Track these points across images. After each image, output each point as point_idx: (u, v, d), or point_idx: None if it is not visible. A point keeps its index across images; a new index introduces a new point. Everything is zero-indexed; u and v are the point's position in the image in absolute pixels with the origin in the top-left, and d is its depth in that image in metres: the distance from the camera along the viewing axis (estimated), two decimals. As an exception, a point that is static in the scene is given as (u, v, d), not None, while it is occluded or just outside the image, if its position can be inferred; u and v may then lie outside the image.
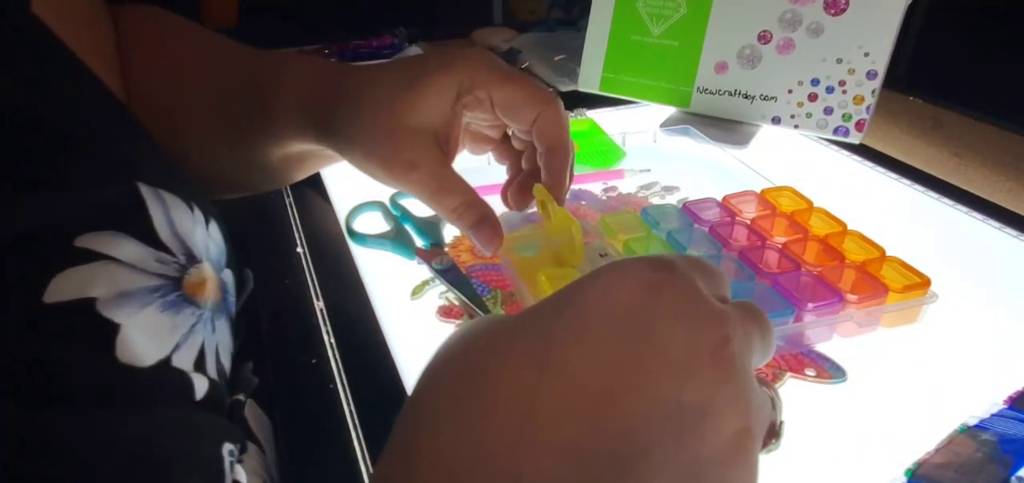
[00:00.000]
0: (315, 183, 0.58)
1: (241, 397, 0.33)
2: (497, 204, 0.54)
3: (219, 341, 0.30)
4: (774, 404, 0.22)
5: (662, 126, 0.68)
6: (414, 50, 0.96)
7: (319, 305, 0.43)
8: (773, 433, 0.22)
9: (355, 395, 0.35)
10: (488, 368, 0.20)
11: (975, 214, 0.54)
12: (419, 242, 0.49)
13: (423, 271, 0.46)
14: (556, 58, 0.90)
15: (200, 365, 0.28)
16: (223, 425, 0.29)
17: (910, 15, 0.58)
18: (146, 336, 0.25)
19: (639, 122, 0.71)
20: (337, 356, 0.38)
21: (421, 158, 0.39)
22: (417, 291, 0.45)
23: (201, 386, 0.27)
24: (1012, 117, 0.69)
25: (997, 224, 0.53)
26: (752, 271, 0.42)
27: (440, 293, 0.44)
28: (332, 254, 0.48)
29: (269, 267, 0.48)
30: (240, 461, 0.30)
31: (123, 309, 0.24)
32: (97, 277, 0.24)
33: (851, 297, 0.39)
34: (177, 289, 0.27)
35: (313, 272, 0.46)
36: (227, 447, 0.28)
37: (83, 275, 0.24)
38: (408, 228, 0.50)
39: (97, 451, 0.22)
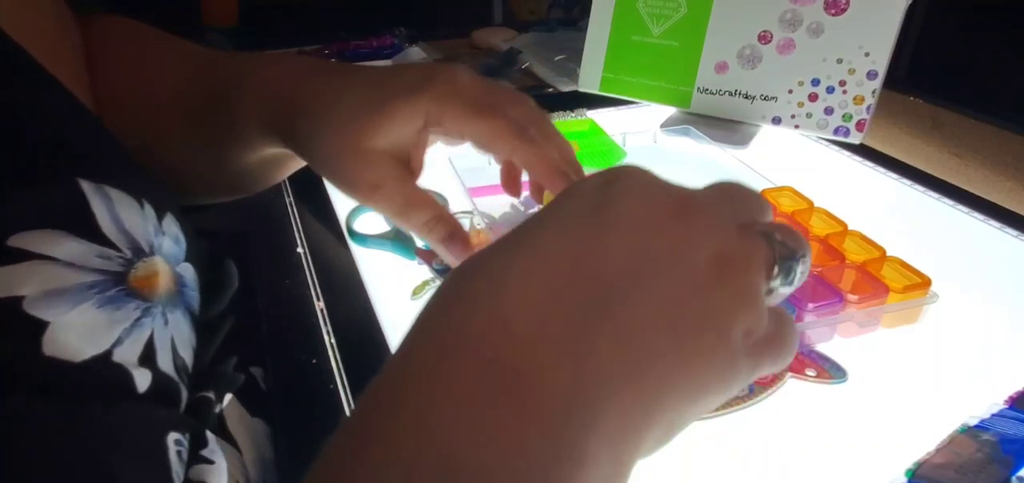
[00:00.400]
0: (315, 183, 0.58)
1: (210, 394, 0.33)
2: (495, 204, 0.54)
3: (175, 334, 0.30)
4: (770, 241, 0.23)
5: (662, 126, 0.68)
6: (415, 50, 0.96)
7: (319, 305, 0.43)
8: (784, 268, 0.23)
9: (355, 395, 0.35)
10: (466, 274, 0.22)
11: (975, 214, 0.54)
12: (419, 242, 0.49)
13: (423, 271, 0.46)
14: (556, 58, 0.90)
15: (148, 358, 0.28)
16: (169, 416, 0.29)
17: (910, 15, 0.58)
18: (78, 332, 0.25)
19: (640, 122, 0.71)
20: (337, 356, 0.38)
21: (384, 178, 0.38)
22: (417, 291, 0.45)
23: (143, 380, 0.27)
24: (1012, 117, 0.69)
25: (997, 224, 0.53)
26: None
27: (440, 293, 0.44)
28: (332, 254, 0.48)
29: (269, 267, 0.48)
30: (204, 458, 0.30)
31: (53, 307, 0.25)
32: (27, 276, 0.24)
33: (852, 297, 0.39)
34: (120, 283, 0.28)
35: (313, 272, 0.46)
36: (173, 437, 0.28)
37: (11, 274, 0.24)
38: (408, 228, 0.50)
39: (22, 438, 0.23)
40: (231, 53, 0.44)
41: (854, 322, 0.40)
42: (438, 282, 0.45)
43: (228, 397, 0.34)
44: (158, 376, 0.28)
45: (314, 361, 0.38)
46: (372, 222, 0.52)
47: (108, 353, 0.26)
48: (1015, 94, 0.72)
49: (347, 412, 0.35)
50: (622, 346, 0.20)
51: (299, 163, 0.47)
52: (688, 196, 0.23)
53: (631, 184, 0.23)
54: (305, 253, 0.48)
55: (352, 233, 0.50)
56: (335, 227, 0.52)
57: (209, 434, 0.32)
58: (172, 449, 0.27)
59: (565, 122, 0.71)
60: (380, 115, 0.37)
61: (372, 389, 0.21)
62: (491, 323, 0.20)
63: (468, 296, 0.21)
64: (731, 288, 0.21)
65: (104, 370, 0.26)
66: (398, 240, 0.49)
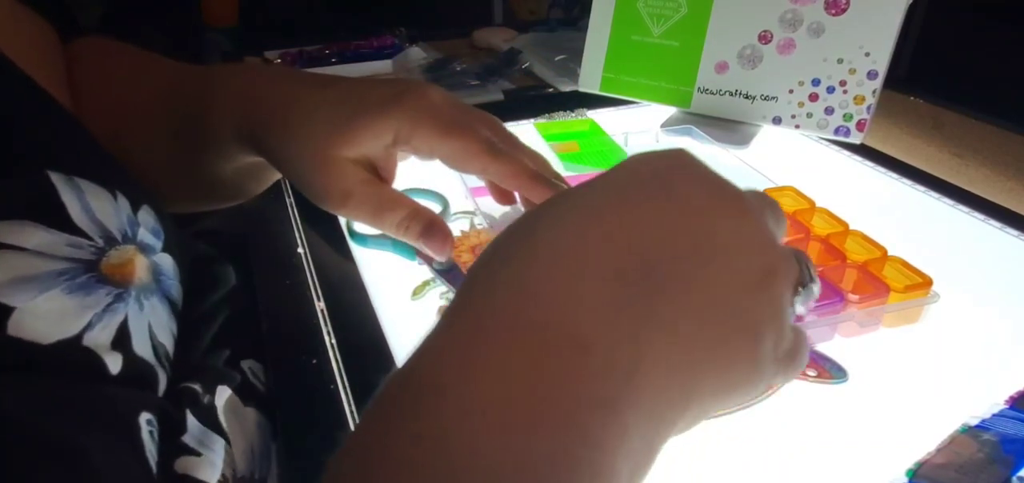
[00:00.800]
0: (316, 183, 0.58)
1: (197, 386, 0.33)
2: (497, 204, 0.54)
3: (152, 320, 0.31)
4: (800, 262, 0.25)
5: (663, 126, 0.68)
6: (415, 50, 0.96)
7: (320, 305, 0.43)
8: (804, 286, 0.25)
9: (355, 395, 0.35)
10: (534, 229, 0.22)
11: (976, 214, 0.54)
12: (420, 242, 0.49)
13: (424, 271, 0.46)
14: (556, 58, 0.90)
15: (121, 342, 0.29)
16: (142, 398, 0.29)
17: (911, 15, 0.58)
18: (46, 317, 0.26)
19: (640, 122, 0.71)
20: (337, 356, 0.38)
21: (354, 186, 0.39)
22: (418, 291, 0.45)
23: (115, 363, 0.28)
24: (1013, 117, 0.69)
25: (998, 224, 0.53)
26: None
27: (441, 293, 0.44)
28: (333, 254, 0.48)
29: (270, 267, 0.48)
30: (191, 449, 0.30)
31: (20, 293, 0.25)
32: None
33: (852, 297, 0.39)
34: (92, 271, 0.28)
35: (314, 272, 0.46)
36: (145, 417, 0.28)
37: None
38: (409, 228, 0.50)
39: None
40: (205, 66, 0.45)
41: (855, 322, 0.40)
42: (439, 283, 0.45)
43: (220, 389, 0.35)
44: (132, 359, 0.29)
45: (314, 361, 0.38)
46: (372, 222, 0.52)
47: (78, 337, 0.27)
48: (1016, 94, 0.72)
49: (347, 412, 0.35)
50: (672, 330, 0.20)
51: (277, 173, 0.47)
52: (743, 196, 0.23)
53: (694, 171, 0.23)
54: (305, 253, 0.48)
55: (352, 233, 0.50)
56: (335, 227, 0.52)
57: (197, 424, 0.32)
58: (144, 428, 0.28)
59: (565, 122, 0.71)
60: (350, 128, 0.38)
61: (435, 341, 0.21)
62: (550, 287, 0.20)
63: (544, 251, 0.21)
64: (770, 297, 0.22)
65: (74, 353, 0.26)
66: (399, 241, 0.49)
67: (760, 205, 0.24)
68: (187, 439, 0.31)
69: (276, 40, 1.01)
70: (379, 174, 0.40)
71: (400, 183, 0.56)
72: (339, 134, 0.38)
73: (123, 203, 0.31)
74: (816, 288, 0.25)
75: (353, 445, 0.19)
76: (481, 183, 0.55)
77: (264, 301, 0.44)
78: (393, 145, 0.39)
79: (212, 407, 0.34)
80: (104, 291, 0.29)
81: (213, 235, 0.58)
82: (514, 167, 0.39)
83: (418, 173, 0.58)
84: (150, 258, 0.32)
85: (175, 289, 0.35)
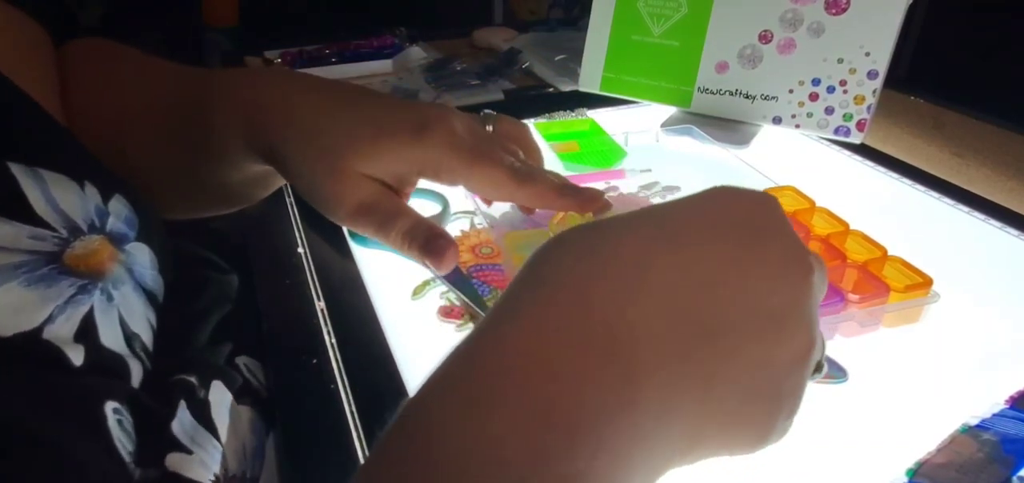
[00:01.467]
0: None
1: (193, 379, 0.33)
2: (497, 204, 0.54)
3: (124, 311, 0.31)
4: (822, 343, 0.25)
5: (663, 126, 0.68)
6: (415, 50, 0.96)
7: (320, 305, 0.43)
8: (818, 366, 0.26)
9: (355, 395, 0.35)
10: (606, 239, 0.22)
11: (976, 214, 0.54)
12: (420, 242, 0.49)
13: (424, 271, 0.46)
14: (557, 58, 0.90)
15: (85, 334, 0.28)
16: (108, 386, 0.29)
17: (911, 15, 0.58)
18: (2, 310, 0.26)
19: (640, 122, 0.71)
20: (338, 356, 0.38)
21: (369, 199, 0.39)
22: (418, 291, 0.45)
23: (77, 355, 0.28)
24: (1013, 117, 0.69)
25: (998, 224, 0.53)
26: None
27: (441, 293, 0.44)
28: (333, 254, 0.48)
29: (270, 267, 0.48)
30: (183, 446, 0.30)
31: None
32: None
33: (853, 297, 0.39)
34: (54, 262, 0.28)
35: (314, 272, 0.46)
36: (111, 405, 0.28)
37: None
38: (409, 228, 0.50)
39: None
40: (208, 70, 0.44)
41: (855, 321, 0.40)
42: (439, 283, 0.45)
43: (215, 384, 0.35)
44: (97, 351, 0.29)
45: (314, 361, 0.38)
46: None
47: (38, 330, 0.27)
48: (1016, 94, 0.72)
49: (347, 412, 0.35)
50: (707, 386, 0.21)
51: (281, 181, 0.47)
52: (811, 266, 0.24)
53: (779, 228, 0.24)
54: (306, 253, 0.48)
55: (353, 233, 0.50)
56: (335, 227, 0.52)
57: (190, 419, 0.32)
58: (110, 417, 0.28)
59: (565, 122, 0.71)
60: (377, 144, 0.38)
61: (490, 332, 0.21)
62: (613, 299, 0.21)
63: (612, 266, 0.21)
64: (800, 375, 0.24)
65: (33, 346, 0.26)
66: (398, 240, 0.49)
67: (820, 275, 0.25)
68: (178, 434, 0.31)
69: (276, 40, 1.01)
70: (396, 190, 0.41)
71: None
72: (362, 147, 0.38)
73: (91, 193, 0.31)
74: (825, 369, 0.26)
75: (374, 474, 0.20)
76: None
77: (264, 301, 0.44)
78: (417, 175, 0.40)
79: (206, 402, 0.33)
80: (67, 283, 0.28)
81: (214, 235, 0.58)
82: (539, 188, 0.41)
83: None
84: (121, 247, 0.32)
85: (152, 279, 0.34)
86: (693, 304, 0.21)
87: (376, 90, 0.43)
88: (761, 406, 0.23)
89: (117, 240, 0.32)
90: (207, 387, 0.34)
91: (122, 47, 0.46)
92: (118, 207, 0.33)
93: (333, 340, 0.39)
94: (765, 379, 0.22)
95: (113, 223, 0.32)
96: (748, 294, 0.22)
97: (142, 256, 0.34)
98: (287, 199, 0.56)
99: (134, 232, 0.34)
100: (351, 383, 0.36)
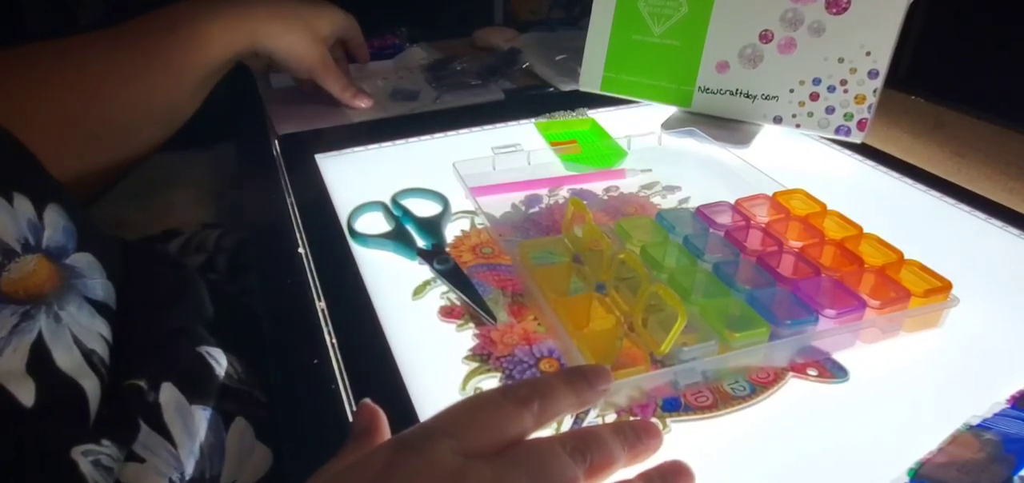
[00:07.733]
0: (316, 183, 0.58)
1: (142, 383, 0.31)
2: (497, 204, 0.54)
3: (73, 327, 0.29)
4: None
5: (663, 126, 0.68)
6: (415, 50, 0.96)
7: (320, 305, 0.43)
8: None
9: (356, 395, 0.35)
10: None
11: (977, 214, 0.54)
12: (420, 242, 0.49)
13: (424, 271, 0.46)
14: (557, 58, 0.90)
15: (39, 363, 0.26)
16: (68, 431, 0.27)
17: (911, 15, 0.58)
18: None
19: (640, 122, 0.71)
20: (338, 356, 0.38)
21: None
22: (418, 291, 0.45)
23: (26, 393, 0.25)
24: (1014, 117, 0.69)
25: (999, 223, 0.52)
26: (772, 278, 0.41)
27: (441, 293, 0.44)
28: (333, 254, 0.48)
29: (270, 267, 0.48)
30: (136, 455, 0.29)
31: None
32: None
33: (873, 302, 0.38)
34: None
35: (314, 272, 0.46)
36: (79, 450, 0.26)
37: None
38: (409, 228, 0.50)
39: None
40: (143, 24, 0.56)
41: (876, 328, 0.39)
42: (439, 283, 0.45)
43: (164, 386, 0.33)
44: (49, 382, 0.26)
45: (315, 361, 0.38)
46: (373, 222, 0.52)
47: None
48: (1016, 94, 0.72)
49: (348, 412, 0.35)
50: None
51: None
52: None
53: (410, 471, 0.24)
54: (306, 253, 0.48)
55: (353, 233, 0.50)
56: (335, 227, 0.52)
57: (145, 428, 0.30)
58: (82, 463, 0.26)
59: (566, 122, 0.71)
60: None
61: None
62: None
63: None
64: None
65: None
66: (399, 240, 0.49)
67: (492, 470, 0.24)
68: (136, 447, 0.29)
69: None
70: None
71: (400, 183, 0.56)
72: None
73: (23, 206, 0.29)
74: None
75: None
76: (482, 184, 0.55)
77: (264, 301, 0.44)
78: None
79: (157, 405, 0.32)
80: (8, 311, 0.26)
81: (214, 234, 0.58)
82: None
83: (419, 174, 0.58)
84: (61, 262, 0.30)
85: (102, 288, 0.32)
86: None
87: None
88: None
89: (56, 255, 0.30)
90: (157, 390, 0.32)
91: (49, 44, 0.46)
92: (54, 217, 0.30)
93: (333, 340, 0.39)
94: None
95: (50, 237, 0.30)
96: None
97: (84, 266, 0.31)
98: (287, 199, 0.56)
99: (73, 243, 0.31)
100: (351, 383, 0.36)
